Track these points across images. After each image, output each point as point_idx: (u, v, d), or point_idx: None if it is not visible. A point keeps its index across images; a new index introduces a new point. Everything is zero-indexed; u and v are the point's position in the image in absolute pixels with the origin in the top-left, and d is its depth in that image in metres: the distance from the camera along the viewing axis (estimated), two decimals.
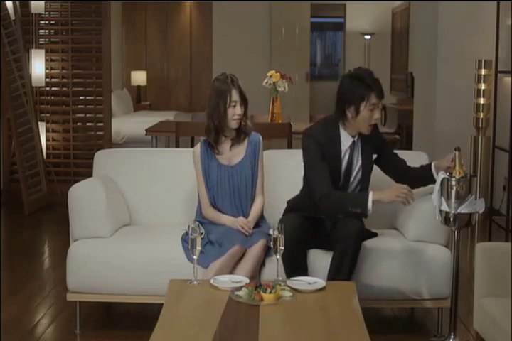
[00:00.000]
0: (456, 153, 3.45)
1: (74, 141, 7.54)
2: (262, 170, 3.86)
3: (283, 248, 3.23)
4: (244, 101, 3.75)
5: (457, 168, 3.42)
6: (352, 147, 3.69)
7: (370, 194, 3.47)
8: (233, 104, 3.72)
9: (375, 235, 3.84)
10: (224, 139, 3.83)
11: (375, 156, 3.76)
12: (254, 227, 3.75)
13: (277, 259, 3.25)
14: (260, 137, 3.89)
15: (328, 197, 3.53)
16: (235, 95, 3.72)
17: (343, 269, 3.51)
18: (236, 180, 3.81)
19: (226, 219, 3.77)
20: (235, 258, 3.58)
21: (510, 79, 5.93)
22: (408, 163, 3.83)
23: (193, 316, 2.91)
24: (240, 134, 3.83)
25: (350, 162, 3.69)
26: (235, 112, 3.73)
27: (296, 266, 3.54)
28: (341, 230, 3.54)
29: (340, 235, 3.53)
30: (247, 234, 3.66)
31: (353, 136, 3.70)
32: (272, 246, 3.26)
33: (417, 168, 3.79)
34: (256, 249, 3.58)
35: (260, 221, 3.85)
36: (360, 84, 3.58)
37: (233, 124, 3.77)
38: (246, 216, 3.79)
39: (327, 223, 3.70)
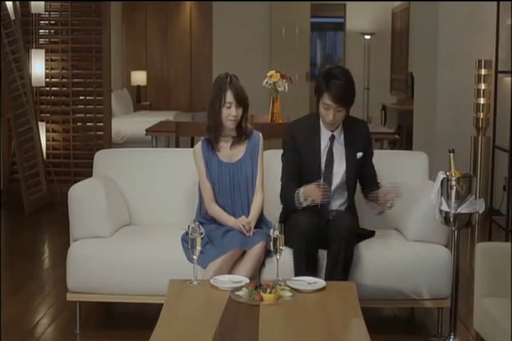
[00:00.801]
0: (451, 155, 3.46)
1: (74, 141, 7.54)
2: (262, 166, 3.87)
3: (283, 248, 3.22)
4: (240, 103, 3.74)
5: (453, 169, 3.42)
6: (332, 140, 3.74)
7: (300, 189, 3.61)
8: (228, 105, 3.72)
9: (372, 234, 3.84)
10: (223, 138, 3.84)
11: (360, 154, 3.76)
12: (255, 228, 3.75)
13: (277, 259, 3.25)
14: (260, 134, 3.90)
15: (286, 193, 3.72)
16: (229, 96, 3.72)
17: (337, 269, 3.51)
18: (236, 177, 3.82)
19: (227, 218, 3.77)
20: (234, 258, 3.58)
21: (510, 79, 5.93)
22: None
23: (193, 316, 2.91)
24: (241, 135, 3.84)
25: (331, 154, 3.74)
26: (229, 113, 3.73)
27: (306, 265, 3.53)
28: (334, 229, 3.54)
29: (333, 234, 3.53)
30: (247, 234, 3.66)
31: (332, 130, 3.74)
32: (271, 247, 3.25)
33: (370, 188, 3.76)
34: (256, 250, 3.58)
35: (261, 220, 3.85)
36: (324, 81, 3.63)
37: (229, 124, 3.77)
38: (246, 213, 3.80)
39: (320, 221, 3.69)
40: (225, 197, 3.82)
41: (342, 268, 3.52)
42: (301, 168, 3.77)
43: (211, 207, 3.82)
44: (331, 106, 3.62)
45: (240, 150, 3.85)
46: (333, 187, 3.74)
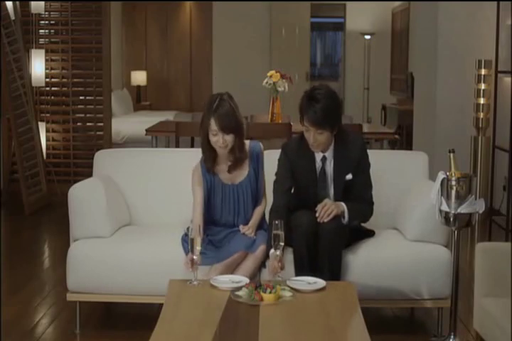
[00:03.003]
0: (451, 155, 3.46)
1: (74, 141, 7.55)
2: (263, 177, 3.80)
3: (283, 243, 3.22)
4: (226, 131, 3.56)
5: (453, 169, 3.43)
6: (323, 161, 3.69)
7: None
8: (214, 132, 3.57)
9: (372, 233, 3.84)
10: (219, 161, 3.72)
11: (350, 177, 3.69)
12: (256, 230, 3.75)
13: (277, 257, 3.24)
14: (261, 145, 3.81)
15: (274, 212, 3.62)
16: (213, 125, 3.55)
17: (324, 269, 3.49)
18: (241, 198, 3.76)
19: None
20: (238, 261, 3.58)
21: (510, 79, 5.93)
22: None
23: (193, 316, 2.90)
24: (236, 161, 3.70)
25: (325, 178, 3.69)
26: (217, 140, 3.59)
27: (309, 265, 3.51)
28: (321, 229, 3.52)
29: (320, 234, 3.51)
30: (250, 235, 3.65)
31: (322, 151, 3.68)
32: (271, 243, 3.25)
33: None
34: (258, 252, 3.58)
35: (262, 223, 3.83)
36: (305, 102, 3.58)
37: (219, 150, 3.64)
38: (247, 222, 3.77)
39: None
40: (229, 214, 3.77)
41: (328, 269, 3.49)
42: (297, 191, 3.72)
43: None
44: (310, 129, 3.58)
45: (241, 172, 3.75)
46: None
